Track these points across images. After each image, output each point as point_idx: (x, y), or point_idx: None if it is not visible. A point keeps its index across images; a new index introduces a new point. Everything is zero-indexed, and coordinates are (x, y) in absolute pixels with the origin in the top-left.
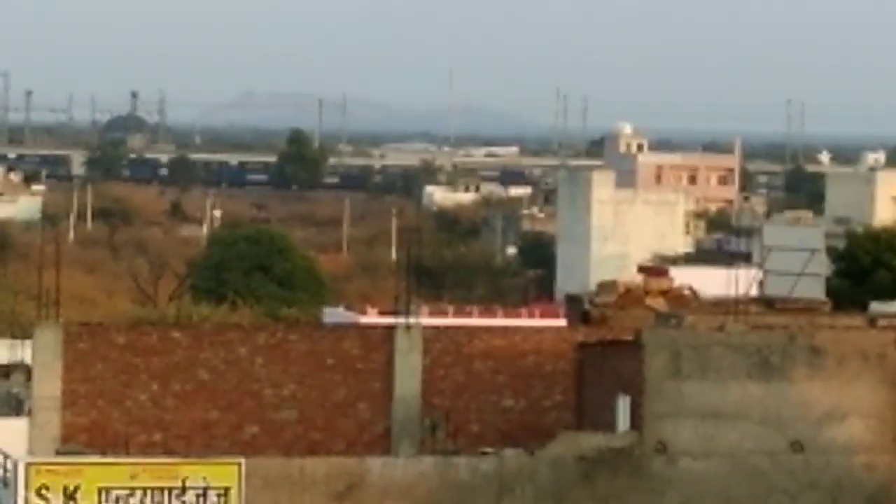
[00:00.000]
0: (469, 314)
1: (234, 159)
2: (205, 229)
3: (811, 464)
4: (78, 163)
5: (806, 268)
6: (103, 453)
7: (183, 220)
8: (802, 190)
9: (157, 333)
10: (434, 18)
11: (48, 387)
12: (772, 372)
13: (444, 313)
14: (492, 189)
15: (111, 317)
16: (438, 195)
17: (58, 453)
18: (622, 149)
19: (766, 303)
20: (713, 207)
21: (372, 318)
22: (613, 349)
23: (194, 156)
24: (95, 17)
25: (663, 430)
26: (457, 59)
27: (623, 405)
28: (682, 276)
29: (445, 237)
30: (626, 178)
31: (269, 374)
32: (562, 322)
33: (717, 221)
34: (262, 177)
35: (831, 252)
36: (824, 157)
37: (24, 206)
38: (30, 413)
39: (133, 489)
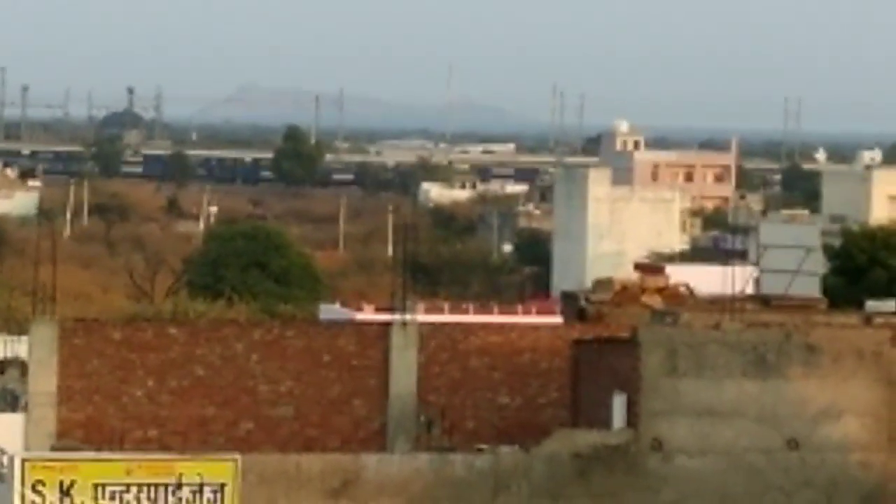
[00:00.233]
0: (465, 311)
1: (230, 156)
2: (201, 225)
3: (807, 462)
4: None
5: (802, 266)
6: (99, 449)
7: (179, 217)
8: (798, 188)
9: (154, 329)
10: (432, 16)
11: (44, 382)
12: (767, 370)
13: (440, 310)
14: (488, 186)
15: (107, 313)
16: (435, 192)
17: (53, 449)
18: (619, 146)
19: (762, 301)
20: (709, 205)
21: (368, 314)
22: (609, 346)
23: (191, 151)
24: (92, 13)
25: (659, 428)
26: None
27: (619, 402)
28: (679, 274)
29: (442, 234)
30: (623, 175)
31: (265, 370)
32: (558, 319)
33: (713, 219)
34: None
35: (827, 250)
36: (821, 155)
37: (20, 201)
38: (25, 409)
39: (128, 485)
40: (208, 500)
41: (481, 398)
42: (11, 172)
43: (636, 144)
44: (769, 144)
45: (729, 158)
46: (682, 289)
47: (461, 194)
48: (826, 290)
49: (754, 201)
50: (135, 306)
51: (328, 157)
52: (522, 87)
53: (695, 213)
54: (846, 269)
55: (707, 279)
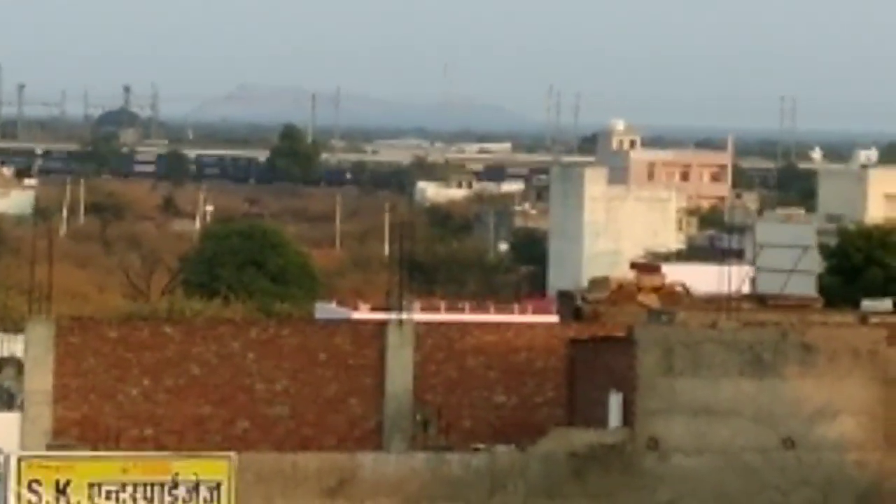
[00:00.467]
0: (461, 310)
1: (230, 154)
2: (197, 224)
3: (803, 460)
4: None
5: (798, 265)
6: (94, 447)
7: (175, 215)
8: (794, 187)
9: (149, 328)
10: (429, 15)
11: (40, 381)
12: (764, 369)
13: (436, 309)
14: (484, 185)
15: (103, 311)
16: (431, 191)
17: (49, 448)
18: (615, 145)
19: (759, 300)
20: (705, 204)
21: (364, 313)
22: (605, 346)
23: (189, 151)
24: (89, 11)
25: (655, 427)
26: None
27: (615, 402)
28: (675, 273)
29: (438, 233)
30: (619, 174)
31: (262, 369)
32: (554, 318)
33: (709, 218)
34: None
35: (823, 249)
36: (816, 154)
37: (15, 200)
38: (21, 407)
39: (124, 484)
40: (204, 499)
41: (477, 397)
42: (7, 171)
43: (632, 143)
44: (765, 143)
45: (725, 157)
46: (679, 288)
47: (457, 193)
48: (822, 290)
49: (750, 200)
50: (131, 305)
51: (324, 155)
52: (519, 86)
53: (691, 212)
54: (842, 269)
55: (703, 278)
